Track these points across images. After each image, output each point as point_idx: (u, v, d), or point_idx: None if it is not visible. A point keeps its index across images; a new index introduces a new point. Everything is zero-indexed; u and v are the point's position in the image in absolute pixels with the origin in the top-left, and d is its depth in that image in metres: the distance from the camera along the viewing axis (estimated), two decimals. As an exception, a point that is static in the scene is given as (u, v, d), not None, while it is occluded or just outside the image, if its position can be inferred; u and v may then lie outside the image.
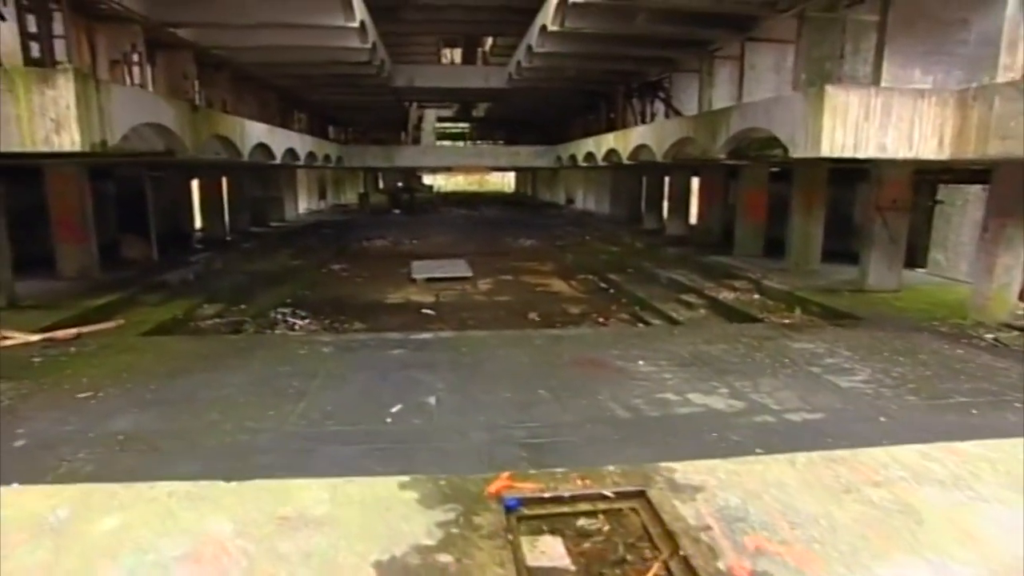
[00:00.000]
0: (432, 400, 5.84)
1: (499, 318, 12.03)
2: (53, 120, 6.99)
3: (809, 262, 13.40)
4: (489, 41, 28.63)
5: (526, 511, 3.08)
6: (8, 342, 7.70)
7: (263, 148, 17.14)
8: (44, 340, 7.85)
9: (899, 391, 6.22)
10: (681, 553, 2.78)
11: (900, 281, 11.46)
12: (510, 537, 2.89)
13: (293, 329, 10.97)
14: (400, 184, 39.84)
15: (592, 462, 4.58)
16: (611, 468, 3.56)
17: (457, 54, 30.81)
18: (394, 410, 5.57)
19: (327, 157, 27.26)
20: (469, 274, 16.42)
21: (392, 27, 20.42)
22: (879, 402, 5.93)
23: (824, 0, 11.67)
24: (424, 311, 12.63)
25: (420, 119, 36.86)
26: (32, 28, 9.15)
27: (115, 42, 12.35)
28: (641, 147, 18.20)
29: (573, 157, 27.69)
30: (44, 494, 3.21)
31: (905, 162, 9.44)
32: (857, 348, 7.69)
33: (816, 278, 12.44)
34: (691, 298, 12.40)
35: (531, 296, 14.43)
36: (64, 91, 7.04)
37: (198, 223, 20.50)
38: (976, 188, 12.35)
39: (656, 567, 2.73)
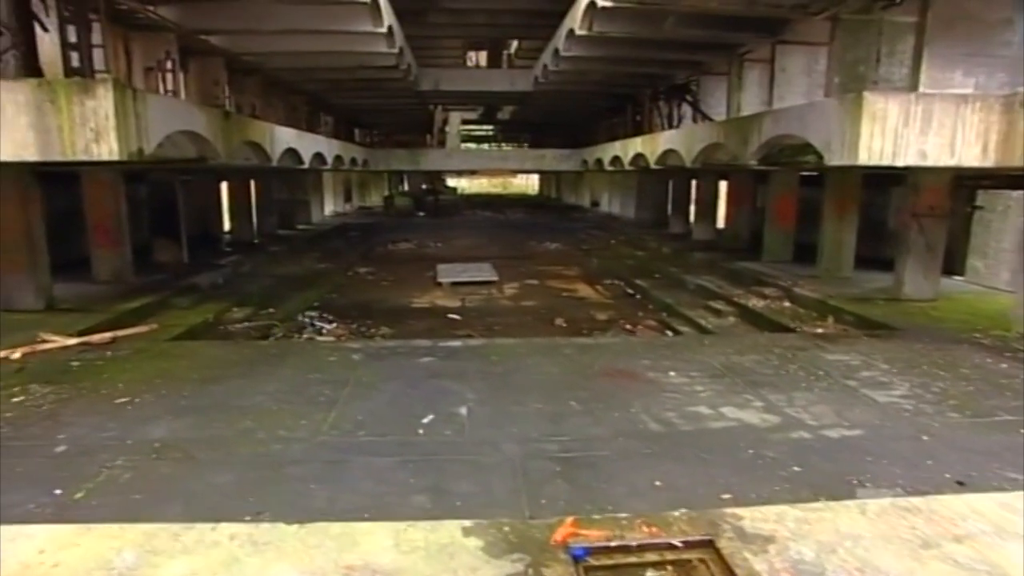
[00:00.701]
0: (463, 411, 5.82)
1: (525, 324, 12.00)
2: (93, 130, 7.14)
3: (841, 269, 13.13)
4: (514, 44, 28.63)
5: (593, 561, 2.99)
6: (47, 345, 7.87)
7: (292, 153, 17.34)
8: (81, 344, 8.01)
9: (940, 407, 6.04)
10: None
11: (937, 290, 11.17)
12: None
13: (320, 333, 11.06)
14: (425, 187, 40.04)
15: (627, 478, 4.52)
16: (676, 514, 3.46)
17: (483, 57, 30.86)
18: (425, 421, 5.56)
19: (353, 160, 27.49)
20: (495, 278, 16.41)
21: (418, 31, 20.52)
22: (920, 419, 5.77)
23: (858, 2, 11.44)
24: (450, 316, 12.65)
25: (445, 122, 37.00)
26: (72, 38, 9.37)
27: (149, 50, 12.61)
28: (669, 152, 18.02)
29: (599, 161, 27.55)
30: (108, 534, 3.21)
31: (945, 168, 9.19)
32: (894, 361, 7.50)
33: (849, 286, 12.18)
34: (719, 305, 12.23)
35: (557, 301, 14.38)
36: (103, 101, 7.18)
37: (226, 225, 20.82)
38: (1018, 193, 12.00)
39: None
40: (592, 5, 13.53)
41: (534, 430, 5.38)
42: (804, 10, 12.45)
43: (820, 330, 9.71)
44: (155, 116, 8.44)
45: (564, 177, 46.77)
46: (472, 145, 51.83)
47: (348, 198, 38.43)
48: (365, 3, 12.86)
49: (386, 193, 44.78)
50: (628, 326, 11.83)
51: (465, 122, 40.39)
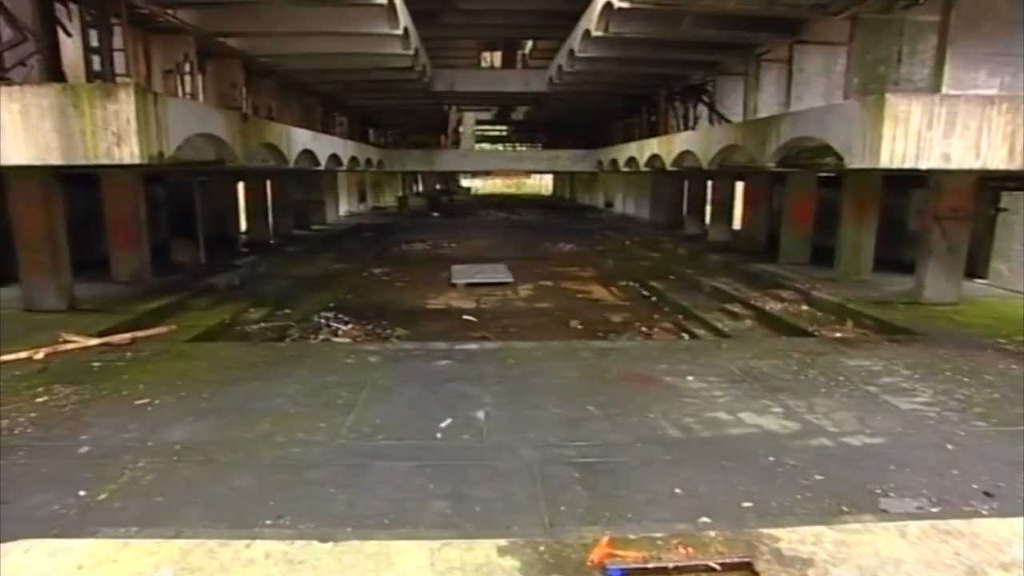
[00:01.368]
0: (480, 415, 5.81)
1: (540, 326, 11.97)
2: (115, 133, 7.22)
3: (860, 272, 12.97)
4: (529, 44, 28.61)
5: (631, 583, 2.97)
6: (69, 346, 7.97)
7: (308, 154, 17.44)
8: (102, 344, 8.10)
9: (965, 415, 5.94)
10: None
11: (960, 293, 11.00)
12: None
13: (336, 335, 11.11)
14: (439, 187, 40.13)
15: (647, 485, 4.49)
16: (712, 534, 3.42)
17: (497, 58, 30.87)
18: (443, 425, 5.56)
19: (368, 161, 27.61)
20: (510, 279, 16.41)
21: (433, 31, 20.56)
22: (944, 427, 5.67)
23: (879, 2, 11.29)
24: (465, 317, 12.66)
25: (459, 122, 37.08)
26: (94, 42, 9.48)
27: (168, 53, 12.73)
28: (686, 153, 17.92)
29: (614, 162, 27.45)
30: (145, 550, 3.23)
31: (969, 171, 9.05)
32: (916, 366, 7.39)
33: (868, 289, 12.03)
34: (736, 308, 12.14)
35: (572, 303, 14.34)
36: (125, 105, 7.26)
37: (243, 226, 20.98)
38: (1043, 196, 11.79)
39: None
40: (608, 6, 13.48)
41: (552, 435, 5.36)
42: (823, 10, 12.31)
43: (839, 334, 9.59)
44: (175, 119, 8.52)
45: (578, 177, 46.68)
46: (486, 145, 51.88)
47: (363, 198, 38.61)
48: (381, 5, 12.90)
49: (400, 193, 44.95)
50: (644, 329, 11.77)
51: (479, 122, 40.46)
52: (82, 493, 4.34)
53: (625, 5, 12.95)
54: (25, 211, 9.36)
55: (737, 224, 20.46)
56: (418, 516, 4.02)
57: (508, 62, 30.08)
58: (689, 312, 12.41)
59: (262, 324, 11.16)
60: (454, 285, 15.97)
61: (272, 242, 20.22)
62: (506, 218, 34.60)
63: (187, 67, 13.01)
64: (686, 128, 21.19)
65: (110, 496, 4.32)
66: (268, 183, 21.00)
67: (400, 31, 14.58)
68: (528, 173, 56.41)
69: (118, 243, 12.27)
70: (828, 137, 9.78)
